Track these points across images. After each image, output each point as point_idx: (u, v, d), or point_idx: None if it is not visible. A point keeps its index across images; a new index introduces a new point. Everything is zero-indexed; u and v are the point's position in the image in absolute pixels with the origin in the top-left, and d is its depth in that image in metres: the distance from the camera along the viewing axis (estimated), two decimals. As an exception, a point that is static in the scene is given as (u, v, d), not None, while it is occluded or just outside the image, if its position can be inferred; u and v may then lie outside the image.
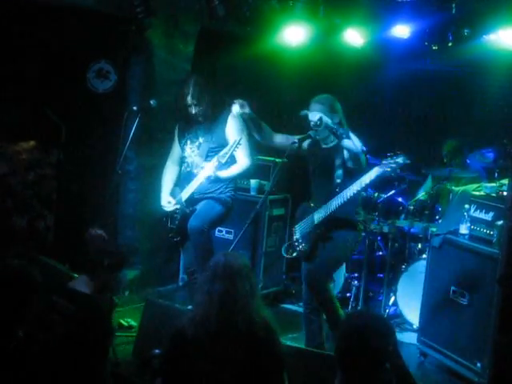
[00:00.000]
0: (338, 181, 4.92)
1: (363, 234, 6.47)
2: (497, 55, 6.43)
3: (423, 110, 8.18)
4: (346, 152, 4.85)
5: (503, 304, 4.68)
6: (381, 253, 6.95)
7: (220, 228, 6.49)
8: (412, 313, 6.05)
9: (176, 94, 5.66)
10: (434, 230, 5.91)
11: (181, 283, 6.92)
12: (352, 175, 4.89)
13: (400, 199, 7.01)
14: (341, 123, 4.93)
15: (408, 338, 5.95)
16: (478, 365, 4.95)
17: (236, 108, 4.99)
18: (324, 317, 5.11)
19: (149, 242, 6.81)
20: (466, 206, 5.39)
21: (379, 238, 6.92)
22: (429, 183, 6.97)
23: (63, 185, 6.41)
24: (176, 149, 5.74)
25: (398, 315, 6.32)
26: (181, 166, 5.73)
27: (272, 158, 6.81)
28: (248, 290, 3.31)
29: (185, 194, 5.55)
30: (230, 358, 3.21)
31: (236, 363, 3.22)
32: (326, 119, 4.75)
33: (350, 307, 6.57)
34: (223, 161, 5.26)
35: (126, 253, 5.76)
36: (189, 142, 5.62)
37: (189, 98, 5.44)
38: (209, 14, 6.31)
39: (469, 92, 7.77)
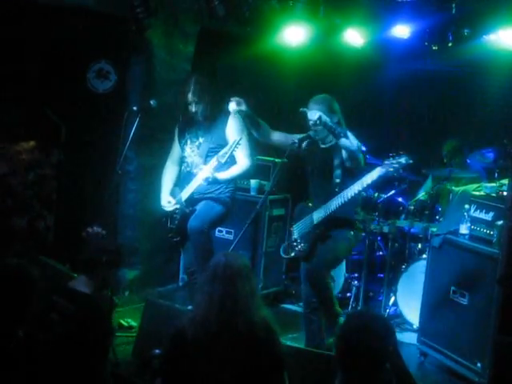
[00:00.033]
0: (337, 180, 4.92)
1: (363, 234, 6.50)
2: (497, 55, 6.43)
3: (423, 110, 8.18)
4: (344, 152, 4.85)
5: (503, 304, 4.69)
6: (381, 253, 6.95)
7: (220, 228, 6.49)
8: (412, 313, 6.05)
9: (177, 93, 5.66)
10: (434, 230, 5.92)
11: (181, 283, 6.92)
12: (352, 175, 4.90)
13: (400, 199, 7.01)
14: (339, 123, 4.93)
15: (408, 338, 5.95)
16: (478, 365, 4.95)
17: (232, 105, 5.00)
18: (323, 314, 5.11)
19: (149, 242, 6.80)
20: (466, 206, 5.38)
21: (379, 238, 6.92)
22: (429, 183, 6.97)
23: (63, 185, 6.41)
24: (176, 149, 5.73)
25: (398, 315, 6.32)
26: (181, 165, 5.72)
27: (272, 158, 6.81)
28: (248, 290, 3.30)
29: (184, 194, 5.55)
30: (230, 359, 3.21)
31: (236, 363, 3.21)
32: (325, 118, 4.75)
33: (350, 307, 6.57)
34: (223, 160, 5.26)
35: (123, 248, 5.75)
36: (189, 141, 5.62)
37: (189, 96, 5.43)
38: (209, 14, 6.31)
39: (469, 92, 7.77)
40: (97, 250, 4.17)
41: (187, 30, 6.78)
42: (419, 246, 6.53)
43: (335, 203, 4.85)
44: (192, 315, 3.33)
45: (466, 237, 5.33)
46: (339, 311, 5.05)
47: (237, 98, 4.99)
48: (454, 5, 5.83)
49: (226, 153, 5.23)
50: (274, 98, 7.80)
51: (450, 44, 6.23)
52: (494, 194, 5.43)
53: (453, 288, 5.29)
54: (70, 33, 6.03)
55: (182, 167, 5.69)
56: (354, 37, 6.55)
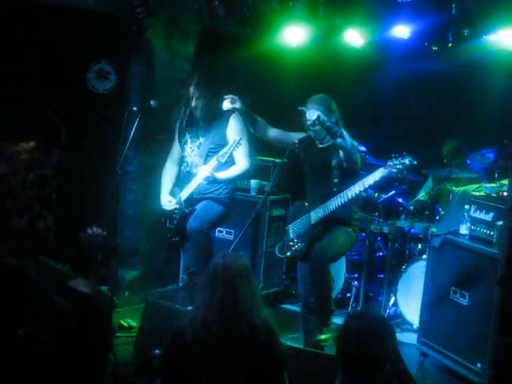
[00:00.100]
0: (336, 181, 4.91)
1: (363, 234, 6.51)
2: (497, 55, 6.43)
3: (423, 110, 8.18)
4: (341, 152, 4.84)
5: (503, 305, 4.68)
6: (381, 253, 6.95)
7: (220, 228, 6.49)
8: (412, 313, 6.05)
9: (177, 93, 5.65)
10: (434, 230, 5.91)
11: (181, 284, 6.92)
12: (351, 175, 4.89)
13: (400, 200, 7.01)
14: (337, 123, 4.93)
15: (408, 338, 5.94)
16: (478, 365, 4.95)
17: (227, 104, 5.00)
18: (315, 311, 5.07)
19: (149, 242, 6.80)
20: (466, 206, 5.38)
21: (379, 238, 6.92)
22: (429, 184, 6.97)
23: (63, 185, 6.41)
24: (176, 148, 5.73)
25: (398, 315, 6.32)
26: (180, 165, 5.72)
27: (272, 159, 6.81)
28: (248, 291, 3.30)
29: (184, 194, 5.54)
30: (231, 359, 3.21)
31: (236, 364, 3.21)
32: (324, 118, 4.74)
33: (350, 307, 6.57)
34: (223, 160, 5.25)
35: (115, 242, 5.76)
36: (189, 141, 5.61)
37: (191, 89, 5.40)
38: (209, 14, 6.31)
39: (469, 92, 7.77)
40: (90, 248, 4.19)
41: (187, 30, 6.78)
42: (419, 246, 6.53)
43: (335, 203, 4.84)
44: (192, 316, 3.33)
45: (466, 237, 5.33)
46: (333, 309, 5.03)
47: (231, 96, 4.98)
48: (453, 5, 5.83)
49: (226, 153, 5.22)
50: (274, 98, 7.80)
51: (449, 44, 6.23)
52: (494, 195, 5.43)
53: (453, 288, 5.28)
54: (70, 33, 6.04)
55: (182, 167, 5.69)
56: (354, 37, 6.55)
